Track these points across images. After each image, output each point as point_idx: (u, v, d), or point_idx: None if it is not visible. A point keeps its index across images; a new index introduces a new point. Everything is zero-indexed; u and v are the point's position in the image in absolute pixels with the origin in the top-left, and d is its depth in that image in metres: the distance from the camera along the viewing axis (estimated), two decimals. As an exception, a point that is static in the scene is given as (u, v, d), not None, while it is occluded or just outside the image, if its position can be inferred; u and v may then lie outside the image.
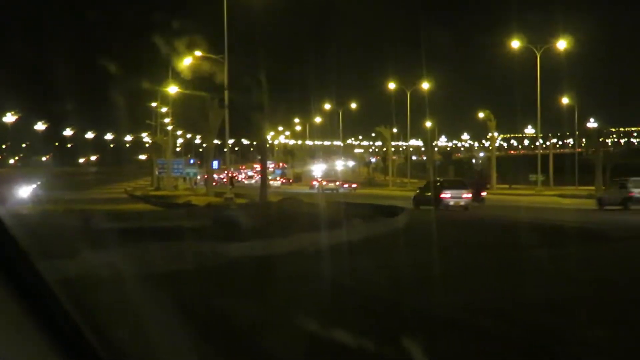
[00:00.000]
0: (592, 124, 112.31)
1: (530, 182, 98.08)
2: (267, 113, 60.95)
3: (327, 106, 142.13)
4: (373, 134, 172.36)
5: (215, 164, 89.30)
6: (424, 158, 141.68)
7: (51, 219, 33.08)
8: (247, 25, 61.10)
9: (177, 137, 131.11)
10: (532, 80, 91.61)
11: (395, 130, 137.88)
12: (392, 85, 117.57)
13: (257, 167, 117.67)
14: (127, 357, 4.70)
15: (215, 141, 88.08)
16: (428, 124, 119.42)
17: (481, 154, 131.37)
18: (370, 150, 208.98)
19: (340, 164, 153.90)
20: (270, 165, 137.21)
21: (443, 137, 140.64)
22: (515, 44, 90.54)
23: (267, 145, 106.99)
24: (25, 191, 73.85)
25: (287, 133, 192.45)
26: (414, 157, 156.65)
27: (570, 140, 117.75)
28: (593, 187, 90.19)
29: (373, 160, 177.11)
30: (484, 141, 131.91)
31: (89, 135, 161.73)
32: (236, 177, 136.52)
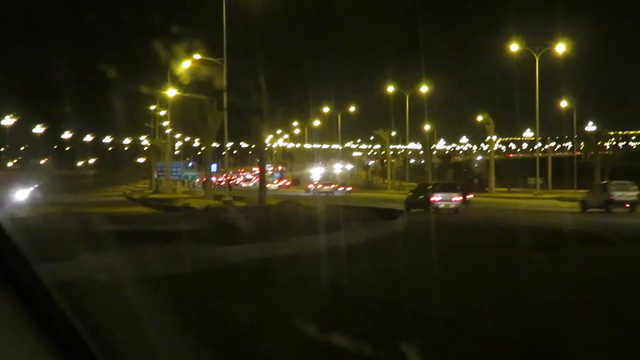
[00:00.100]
0: (590, 127, 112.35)
1: (528, 186, 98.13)
2: (266, 116, 60.97)
3: (326, 109, 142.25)
4: (372, 137, 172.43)
5: (213, 167, 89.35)
6: (423, 161, 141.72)
7: (49, 222, 33.06)
8: (245, 28, 61.15)
9: (175, 140, 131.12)
10: (531, 83, 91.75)
11: (394, 133, 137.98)
12: (390, 89, 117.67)
13: (256, 170, 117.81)
14: (125, 360, 4.70)
15: (214, 144, 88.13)
16: (427, 127, 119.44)
17: (478, 158, 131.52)
18: (369, 153, 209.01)
19: (338, 167, 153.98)
20: (269, 168, 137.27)
21: (442, 140, 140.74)
22: (514, 47, 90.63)
23: (266, 149, 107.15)
24: (22, 194, 73.79)
25: (286, 136, 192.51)
26: (412, 161, 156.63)
27: (569, 144, 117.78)
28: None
29: (371, 163, 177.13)
30: (482, 144, 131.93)
31: (88, 138, 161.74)
32: (234, 180, 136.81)
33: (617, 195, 53.73)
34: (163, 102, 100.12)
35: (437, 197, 53.06)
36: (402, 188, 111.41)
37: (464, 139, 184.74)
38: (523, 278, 18.74)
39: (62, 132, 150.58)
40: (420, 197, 54.93)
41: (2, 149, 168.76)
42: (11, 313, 3.80)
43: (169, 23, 67.23)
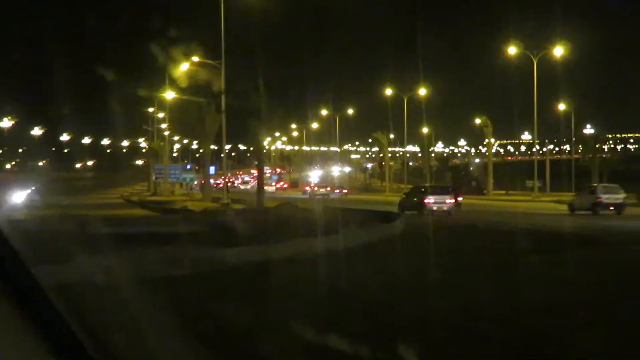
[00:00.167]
0: (588, 130, 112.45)
1: (527, 188, 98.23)
2: (264, 118, 61.02)
3: (325, 112, 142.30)
4: (370, 140, 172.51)
5: (212, 169, 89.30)
6: (421, 163, 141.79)
7: (46, 224, 33.05)
8: (244, 30, 61.20)
9: (174, 142, 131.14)
10: (529, 86, 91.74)
11: (392, 136, 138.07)
12: (389, 91, 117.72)
13: (254, 172, 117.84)
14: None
15: (212, 146, 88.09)
16: (425, 129, 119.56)
17: (477, 160, 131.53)
18: (367, 156, 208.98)
19: (336, 170, 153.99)
20: (267, 170, 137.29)
21: (440, 143, 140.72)
22: (512, 50, 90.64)
23: (264, 151, 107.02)
24: (19, 196, 73.75)
25: (284, 138, 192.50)
26: (411, 163, 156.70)
27: (567, 147, 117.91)
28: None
29: (370, 166, 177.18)
30: (480, 147, 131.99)
31: (86, 140, 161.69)
32: (232, 183, 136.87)
33: (604, 198, 55.00)
34: (161, 105, 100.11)
35: (430, 200, 53.66)
36: (399, 191, 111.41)
37: (462, 142, 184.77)
38: (521, 280, 18.78)
39: (61, 135, 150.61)
40: (414, 199, 55.53)
41: (0, 151, 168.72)
42: (10, 315, 3.80)
43: (167, 25, 67.30)
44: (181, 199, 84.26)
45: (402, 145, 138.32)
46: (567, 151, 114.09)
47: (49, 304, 4.00)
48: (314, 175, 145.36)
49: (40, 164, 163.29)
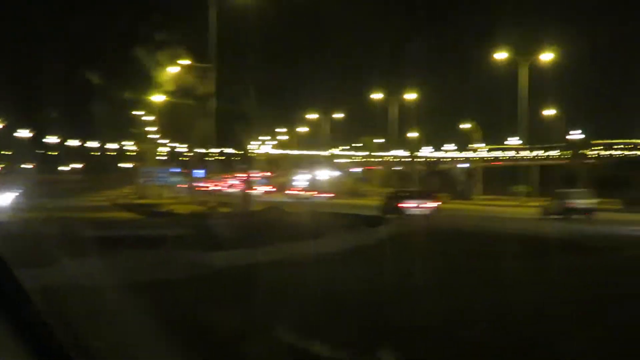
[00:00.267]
0: (577, 135, 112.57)
1: (514, 193, 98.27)
2: (253, 122, 61.07)
3: (313, 116, 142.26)
4: (358, 144, 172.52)
5: (199, 172, 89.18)
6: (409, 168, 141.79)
7: (32, 227, 32.97)
8: (234, 35, 61.20)
9: (162, 145, 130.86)
10: (518, 91, 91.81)
11: (380, 140, 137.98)
12: (377, 96, 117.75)
13: (242, 175, 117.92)
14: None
15: (201, 150, 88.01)
16: (413, 134, 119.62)
17: (464, 165, 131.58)
18: (355, 160, 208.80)
19: (324, 174, 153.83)
20: (255, 174, 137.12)
21: (428, 147, 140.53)
22: (502, 55, 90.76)
23: (252, 155, 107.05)
24: (6, 199, 73.45)
25: (272, 142, 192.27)
26: (398, 168, 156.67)
27: (556, 152, 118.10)
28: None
29: (357, 170, 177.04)
30: (468, 152, 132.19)
31: (74, 143, 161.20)
32: (220, 186, 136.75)
33: (576, 203, 56.48)
34: (150, 108, 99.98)
35: (409, 204, 54.81)
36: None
37: (450, 146, 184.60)
38: (509, 285, 18.80)
39: (49, 137, 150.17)
40: (394, 203, 56.15)
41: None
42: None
43: (157, 29, 67.26)
44: (168, 202, 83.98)
45: (390, 150, 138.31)
46: (555, 157, 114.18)
47: (32, 307, 4.00)
48: (302, 179, 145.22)
49: (28, 166, 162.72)
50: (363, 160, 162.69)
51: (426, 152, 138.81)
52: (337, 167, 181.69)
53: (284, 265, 21.37)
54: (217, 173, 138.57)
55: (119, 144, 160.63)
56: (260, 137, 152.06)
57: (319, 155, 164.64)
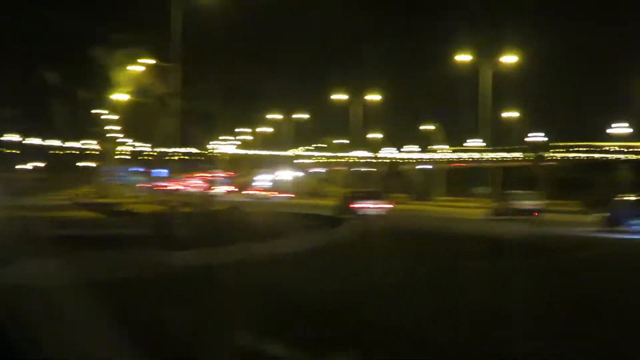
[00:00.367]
0: (538, 137, 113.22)
1: (476, 195, 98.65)
2: (215, 122, 60.97)
3: (276, 116, 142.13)
4: (320, 145, 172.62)
5: (162, 172, 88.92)
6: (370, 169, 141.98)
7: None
8: (198, 36, 61.07)
9: (124, 144, 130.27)
10: (479, 93, 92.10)
11: (342, 140, 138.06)
12: (340, 97, 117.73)
13: (204, 175, 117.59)
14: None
15: (163, 149, 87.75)
16: (375, 135, 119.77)
17: (426, 166, 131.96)
18: (317, 160, 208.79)
19: (286, 174, 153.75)
20: (217, 174, 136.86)
21: (390, 148, 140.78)
22: (464, 57, 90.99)
23: (214, 154, 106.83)
24: None
25: (235, 142, 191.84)
26: (361, 168, 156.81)
27: (517, 154, 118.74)
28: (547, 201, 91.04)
29: (319, 170, 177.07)
30: (430, 153, 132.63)
31: (35, 141, 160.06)
32: (181, 185, 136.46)
33: (522, 204, 57.98)
34: (112, 107, 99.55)
35: (363, 204, 55.53)
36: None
37: (411, 147, 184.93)
38: (464, 286, 18.87)
39: (8, 135, 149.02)
40: (348, 203, 56.89)
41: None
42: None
43: (118, 29, 67.01)
44: (129, 201, 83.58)
45: (352, 150, 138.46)
46: (517, 159, 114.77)
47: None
48: (264, 179, 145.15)
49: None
50: (326, 160, 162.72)
51: (388, 152, 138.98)
52: (300, 167, 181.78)
53: (243, 265, 21.33)
54: (179, 173, 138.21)
55: (81, 142, 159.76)
56: (223, 137, 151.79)
57: (281, 155, 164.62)
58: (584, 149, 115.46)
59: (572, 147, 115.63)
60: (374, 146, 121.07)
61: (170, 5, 58.75)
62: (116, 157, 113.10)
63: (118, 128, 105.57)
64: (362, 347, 11.78)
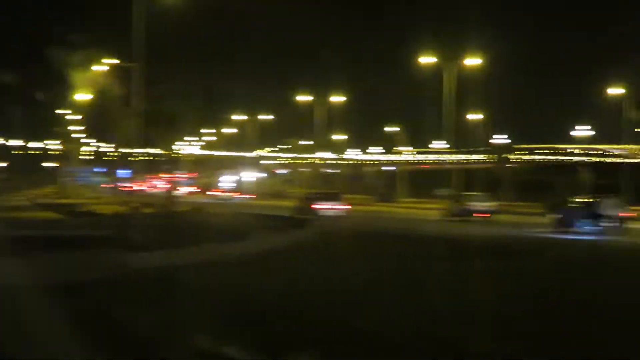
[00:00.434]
0: (500, 139, 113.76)
1: (438, 196, 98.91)
2: (179, 122, 60.76)
3: (239, 117, 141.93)
4: (284, 146, 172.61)
5: (124, 173, 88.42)
6: (334, 170, 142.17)
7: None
8: (161, 36, 60.82)
9: (86, 145, 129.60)
10: (443, 95, 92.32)
11: (306, 142, 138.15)
12: (303, 98, 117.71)
13: (168, 176, 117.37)
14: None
15: (125, 150, 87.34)
16: (338, 136, 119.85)
17: (390, 168, 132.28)
18: (281, 161, 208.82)
19: (251, 175, 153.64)
20: (180, 175, 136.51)
21: (353, 149, 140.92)
22: (427, 59, 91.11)
23: (177, 155, 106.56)
24: None
25: (199, 143, 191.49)
26: (325, 170, 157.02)
27: (481, 156, 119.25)
28: (499, 203, 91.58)
29: (283, 171, 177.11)
30: (393, 155, 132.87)
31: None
32: (143, 186, 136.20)
33: (475, 205, 59.33)
34: (76, 107, 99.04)
35: (322, 205, 56.75)
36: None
37: (375, 149, 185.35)
38: (428, 287, 18.87)
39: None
40: (308, 204, 57.92)
41: None
42: None
43: (83, 29, 66.76)
44: (91, 202, 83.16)
45: (316, 152, 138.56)
46: (480, 160, 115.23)
47: None
48: (227, 180, 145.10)
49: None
50: (290, 162, 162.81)
51: (353, 154, 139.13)
52: (264, 168, 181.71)
53: (205, 267, 21.23)
54: (142, 173, 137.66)
55: (44, 143, 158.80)
56: (187, 138, 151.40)
57: (245, 156, 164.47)
58: (547, 151, 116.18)
59: (535, 149, 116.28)
60: (339, 148, 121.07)
61: (133, 5, 58.43)
62: (79, 157, 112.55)
63: (81, 128, 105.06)
64: (321, 347, 11.71)
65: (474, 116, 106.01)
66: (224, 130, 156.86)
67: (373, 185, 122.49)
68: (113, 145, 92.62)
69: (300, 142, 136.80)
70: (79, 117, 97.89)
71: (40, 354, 8.97)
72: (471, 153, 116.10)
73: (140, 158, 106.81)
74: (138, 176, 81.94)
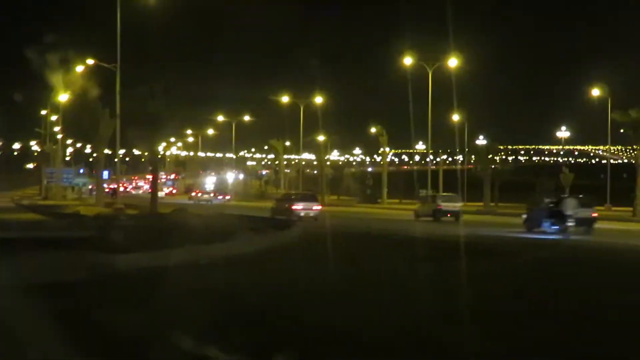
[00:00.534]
0: (481, 141, 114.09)
1: (422, 197, 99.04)
2: (160, 123, 60.61)
3: (221, 118, 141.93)
4: (266, 147, 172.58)
5: (105, 174, 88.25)
6: (316, 172, 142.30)
7: None
8: (141, 34, 60.73)
9: (67, 146, 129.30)
10: (425, 96, 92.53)
11: (288, 143, 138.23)
12: (285, 99, 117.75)
13: (150, 177, 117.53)
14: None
15: (106, 151, 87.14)
16: (320, 137, 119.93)
17: (370, 169, 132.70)
18: (263, 163, 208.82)
19: (231, 177, 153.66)
20: (162, 176, 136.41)
21: (335, 151, 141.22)
22: (408, 60, 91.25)
23: (159, 156, 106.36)
24: None
25: (180, 144, 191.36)
26: (307, 171, 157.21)
27: (462, 157, 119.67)
28: (481, 203, 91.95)
29: (265, 173, 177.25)
30: (375, 156, 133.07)
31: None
32: (125, 188, 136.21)
33: (443, 206, 60.31)
34: (55, 108, 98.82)
35: (298, 206, 57.18)
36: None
37: (357, 150, 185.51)
38: (411, 289, 18.93)
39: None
40: (285, 205, 58.60)
41: None
42: None
43: (63, 29, 66.68)
44: (73, 203, 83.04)
45: (298, 153, 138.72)
46: (460, 161, 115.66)
47: None
48: (209, 181, 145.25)
49: None
50: (272, 163, 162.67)
51: (335, 155, 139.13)
52: (246, 169, 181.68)
53: (187, 268, 21.23)
54: (124, 174, 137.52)
55: (23, 143, 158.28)
56: (169, 139, 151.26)
57: (227, 157, 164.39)
58: (529, 152, 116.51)
59: (517, 150, 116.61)
60: (321, 149, 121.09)
61: (113, 7, 58.41)
62: (60, 158, 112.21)
63: (60, 129, 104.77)
64: (299, 349, 11.75)
65: (457, 117, 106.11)
66: (207, 131, 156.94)
67: (356, 187, 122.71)
68: (95, 146, 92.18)
69: (283, 143, 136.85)
70: (61, 118, 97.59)
71: (22, 355, 8.99)
72: (453, 154, 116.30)
73: (122, 159, 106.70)
74: (120, 177, 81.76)
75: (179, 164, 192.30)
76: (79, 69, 69.11)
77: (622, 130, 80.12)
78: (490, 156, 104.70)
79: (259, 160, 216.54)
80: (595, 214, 46.70)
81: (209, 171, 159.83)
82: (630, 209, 71.44)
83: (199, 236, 27.91)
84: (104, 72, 65.50)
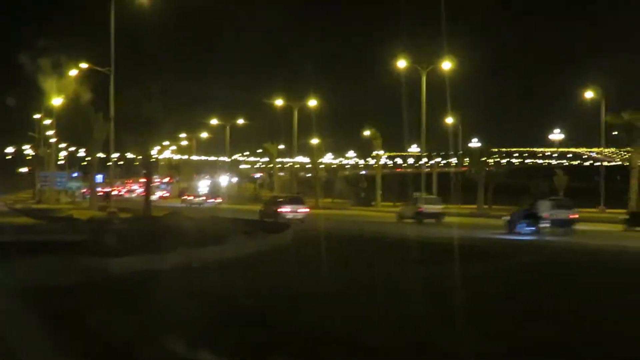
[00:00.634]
0: (475, 143, 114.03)
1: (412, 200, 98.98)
2: (154, 127, 60.62)
3: (215, 121, 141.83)
4: (260, 150, 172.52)
5: (99, 177, 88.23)
6: (310, 175, 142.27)
7: None
8: (136, 39, 60.82)
9: (60, 149, 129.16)
10: (418, 99, 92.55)
11: (282, 146, 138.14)
12: (279, 102, 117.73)
13: (143, 181, 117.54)
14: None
15: (100, 154, 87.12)
16: (314, 140, 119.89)
17: (364, 172, 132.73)
18: (257, 166, 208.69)
19: (226, 180, 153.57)
20: (156, 179, 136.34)
21: (329, 154, 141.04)
22: (402, 63, 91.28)
23: (153, 160, 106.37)
24: None
25: (173, 148, 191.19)
26: (301, 174, 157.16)
27: (455, 160, 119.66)
28: (475, 206, 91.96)
29: (259, 176, 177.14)
30: (369, 159, 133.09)
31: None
32: (119, 192, 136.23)
33: (425, 208, 61.66)
34: (49, 112, 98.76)
35: (285, 209, 58.13)
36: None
37: (351, 153, 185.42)
38: (406, 291, 18.94)
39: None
40: (273, 208, 59.34)
41: None
42: None
43: (58, 31, 66.76)
44: (67, 207, 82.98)
45: (292, 156, 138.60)
46: (454, 164, 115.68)
47: None
48: (203, 184, 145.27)
49: None
50: (265, 166, 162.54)
51: (329, 158, 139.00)
52: (240, 173, 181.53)
53: (181, 271, 21.24)
54: (117, 178, 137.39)
55: (17, 147, 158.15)
56: (162, 143, 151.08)
57: (220, 161, 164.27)
58: (523, 154, 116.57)
59: (511, 153, 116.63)
60: (314, 152, 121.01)
61: (107, 10, 58.44)
62: (54, 162, 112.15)
63: (54, 133, 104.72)
64: (293, 352, 11.78)
65: (451, 120, 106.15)
66: (200, 135, 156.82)
67: (350, 189, 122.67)
68: (88, 149, 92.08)
69: (277, 147, 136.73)
70: (55, 122, 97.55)
71: (15, 358, 9.01)
72: (447, 157, 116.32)
73: (115, 162, 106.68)
74: (114, 181, 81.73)
75: (173, 168, 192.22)
76: (73, 73, 69.11)
77: (615, 133, 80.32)
78: (484, 159, 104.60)
79: (252, 164, 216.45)
80: (574, 216, 48.11)
81: (202, 174, 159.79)
82: (624, 211, 71.51)
83: (192, 239, 27.92)
84: (98, 76, 65.59)
